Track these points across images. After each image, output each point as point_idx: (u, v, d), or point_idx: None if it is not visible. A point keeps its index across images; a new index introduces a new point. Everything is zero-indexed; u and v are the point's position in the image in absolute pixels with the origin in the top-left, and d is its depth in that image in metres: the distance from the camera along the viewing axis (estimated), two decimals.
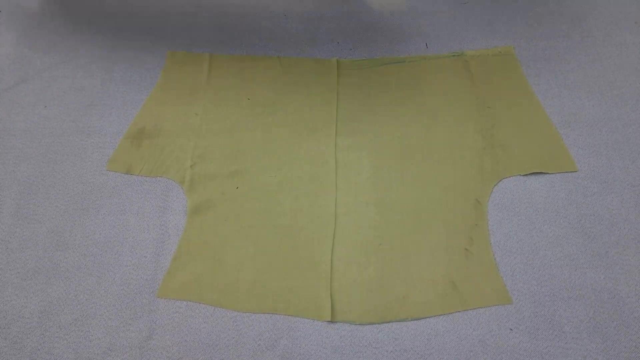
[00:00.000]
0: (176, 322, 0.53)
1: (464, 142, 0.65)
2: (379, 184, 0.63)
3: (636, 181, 0.60)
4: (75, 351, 0.51)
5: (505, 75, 0.72)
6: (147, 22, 0.81)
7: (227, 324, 0.52)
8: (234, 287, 0.55)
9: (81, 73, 0.75)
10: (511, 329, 0.51)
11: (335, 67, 0.74)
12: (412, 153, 0.65)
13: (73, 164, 0.65)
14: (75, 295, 0.54)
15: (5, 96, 0.72)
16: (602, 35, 0.75)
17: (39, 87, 0.73)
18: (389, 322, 0.52)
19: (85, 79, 0.74)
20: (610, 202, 0.59)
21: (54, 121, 0.70)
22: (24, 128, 0.69)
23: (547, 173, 0.61)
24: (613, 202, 0.59)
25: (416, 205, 0.60)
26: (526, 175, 0.62)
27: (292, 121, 0.69)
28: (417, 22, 0.79)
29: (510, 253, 0.56)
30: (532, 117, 0.67)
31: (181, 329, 0.52)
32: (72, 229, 0.60)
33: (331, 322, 0.53)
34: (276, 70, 0.74)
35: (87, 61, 0.76)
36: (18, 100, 0.72)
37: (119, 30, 0.80)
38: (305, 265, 0.56)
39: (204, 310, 0.53)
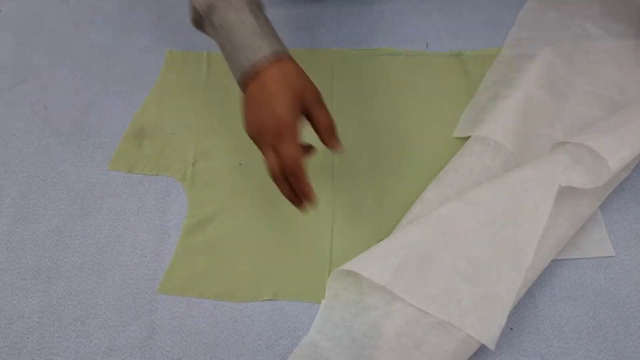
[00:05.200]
0: (176, 322, 0.53)
1: (458, 140, 0.65)
2: (377, 173, 0.63)
3: (636, 181, 0.60)
4: (75, 351, 0.51)
5: None
6: (147, 22, 0.81)
7: (227, 324, 0.52)
8: (235, 279, 0.55)
9: (81, 73, 0.75)
10: (511, 328, 0.51)
11: (331, 58, 0.75)
12: (409, 145, 0.65)
13: (73, 164, 0.65)
14: (75, 295, 0.54)
15: (5, 96, 0.72)
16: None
17: (39, 87, 0.73)
18: None
19: (85, 79, 0.74)
20: (610, 202, 0.59)
21: (54, 121, 0.70)
22: (23, 128, 0.69)
23: None
24: (614, 202, 0.59)
25: (412, 199, 0.59)
26: None
27: None
28: (418, 21, 0.79)
29: None
30: None
31: (181, 328, 0.52)
32: (72, 229, 0.60)
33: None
34: None
35: (87, 61, 0.76)
36: (18, 100, 0.72)
37: (118, 30, 0.80)
38: (304, 252, 0.57)
39: (204, 310, 0.53)
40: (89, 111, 0.71)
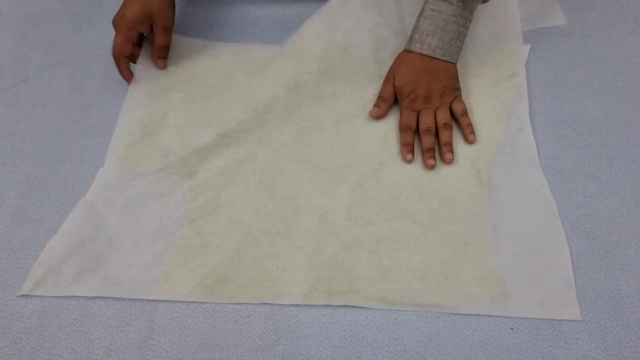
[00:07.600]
0: (176, 323, 0.53)
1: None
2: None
3: (636, 181, 0.60)
4: (74, 351, 0.51)
5: None
6: None
7: (227, 324, 0.52)
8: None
9: (81, 73, 0.75)
10: (512, 329, 0.51)
11: None
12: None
13: (73, 164, 0.65)
14: (75, 295, 0.54)
15: (5, 96, 0.72)
16: (602, 35, 0.75)
17: (39, 87, 0.73)
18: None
19: (85, 79, 0.74)
20: (610, 202, 0.59)
21: (54, 121, 0.70)
22: (23, 128, 0.69)
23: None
24: (613, 202, 0.59)
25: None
26: None
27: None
28: None
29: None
30: None
31: (181, 329, 0.52)
32: None
33: (325, 307, 0.53)
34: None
35: (87, 61, 0.76)
36: (18, 100, 0.72)
37: None
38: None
39: (204, 310, 0.53)
40: (89, 111, 0.71)
